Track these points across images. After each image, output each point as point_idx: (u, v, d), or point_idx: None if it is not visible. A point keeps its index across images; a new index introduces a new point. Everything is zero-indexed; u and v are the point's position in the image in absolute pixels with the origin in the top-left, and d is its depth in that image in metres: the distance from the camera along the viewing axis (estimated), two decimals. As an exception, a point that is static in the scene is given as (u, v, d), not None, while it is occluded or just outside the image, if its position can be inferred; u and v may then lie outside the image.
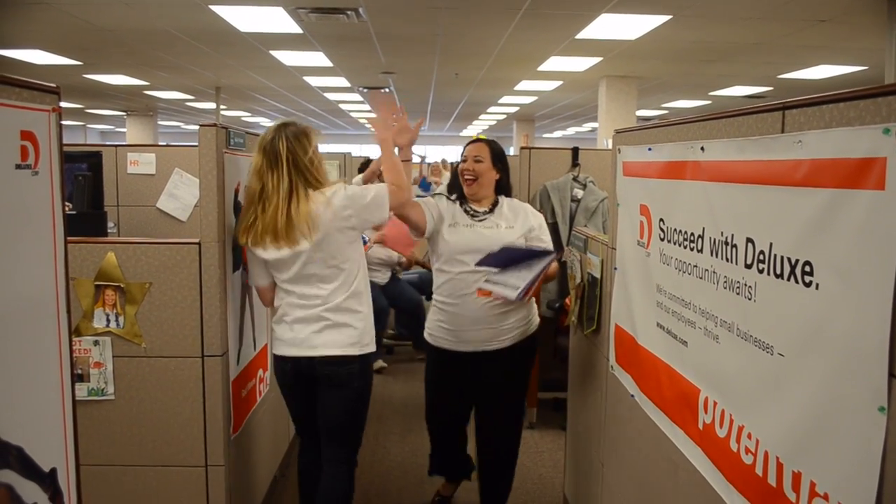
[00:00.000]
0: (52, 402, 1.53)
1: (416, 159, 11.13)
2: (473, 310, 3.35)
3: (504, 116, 22.00)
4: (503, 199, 3.58)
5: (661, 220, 2.39)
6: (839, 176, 1.40)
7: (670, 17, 7.50)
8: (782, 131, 1.62)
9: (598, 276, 3.23)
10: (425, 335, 3.63)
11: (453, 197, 3.57)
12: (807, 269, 1.50)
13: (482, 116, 22.86)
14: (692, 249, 2.12)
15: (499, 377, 3.52)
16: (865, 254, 1.32)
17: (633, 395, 2.67)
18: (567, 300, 4.23)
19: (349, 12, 7.34)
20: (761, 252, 1.69)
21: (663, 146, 2.37)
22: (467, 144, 3.61)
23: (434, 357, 3.63)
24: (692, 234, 2.12)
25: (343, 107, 19.53)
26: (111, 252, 3.01)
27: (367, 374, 3.08)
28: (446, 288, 3.43)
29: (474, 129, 29.76)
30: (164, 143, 10.78)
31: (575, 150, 5.69)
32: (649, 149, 2.51)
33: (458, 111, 20.76)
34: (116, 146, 5.98)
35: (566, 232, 5.33)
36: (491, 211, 3.50)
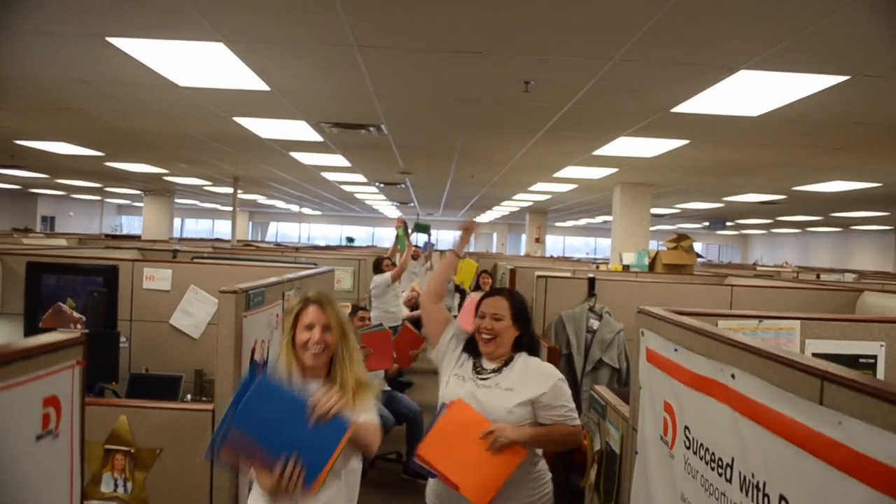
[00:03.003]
0: None
1: (414, 239, 11.06)
2: None
3: (518, 209, 22.16)
4: (519, 357, 3.15)
5: (687, 427, 2.33)
6: (887, 482, 1.35)
7: (687, 141, 7.58)
8: (821, 403, 1.57)
9: (617, 451, 3.15)
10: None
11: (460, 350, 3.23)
12: (849, 560, 1.43)
13: (496, 208, 23.05)
14: (720, 475, 2.05)
15: None
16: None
17: None
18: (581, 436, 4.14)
19: (371, 128, 7.45)
20: (797, 518, 1.62)
21: (691, 355, 2.33)
22: (484, 297, 3.22)
23: None
24: (720, 459, 2.06)
25: (358, 196, 19.73)
26: (123, 416, 2.97)
27: None
28: None
29: (488, 217, 29.97)
30: (178, 245, 10.81)
31: (591, 281, 5.66)
32: (675, 349, 2.46)
33: (472, 203, 20.94)
34: (133, 261, 5.97)
35: (581, 363, 5.28)
36: (499, 370, 3.11)
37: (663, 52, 4.54)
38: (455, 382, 3.11)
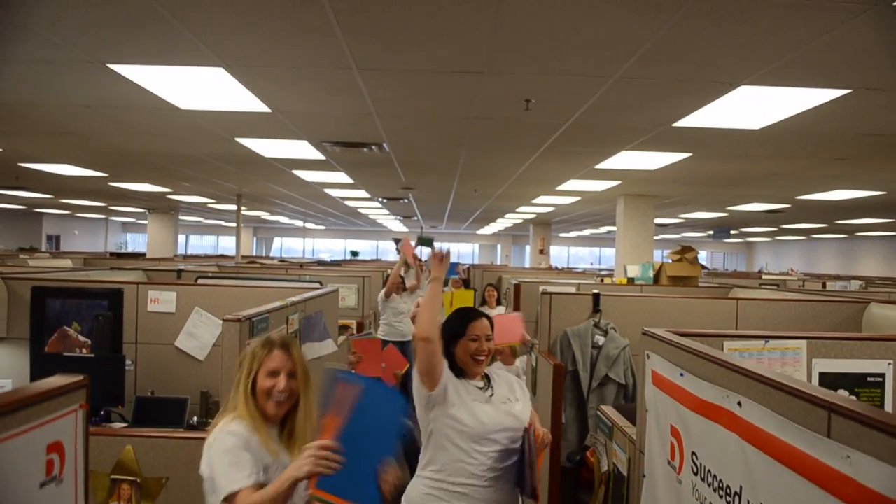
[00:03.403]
0: None
1: (417, 252, 11.23)
2: (504, 492, 3.02)
3: (521, 221, 22.16)
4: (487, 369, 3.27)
5: (694, 453, 2.31)
6: (897, 519, 1.33)
7: (690, 154, 7.58)
8: (828, 435, 1.56)
9: (624, 473, 3.14)
10: None
11: None
12: None
13: (499, 220, 23.05)
14: (728, 503, 2.04)
15: None
16: None
17: None
18: (588, 453, 4.13)
19: (373, 146, 7.46)
20: (807, 551, 1.61)
21: (697, 380, 2.31)
22: (472, 321, 3.19)
23: None
24: (728, 486, 2.04)
25: (362, 211, 19.75)
26: (129, 446, 2.96)
27: None
28: (475, 467, 2.98)
29: (492, 229, 30.00)
30: (182, 258, 10.80)
31: (596, 297, 5.64)
32: (681, 374, 2.45)
33: (475, 216, 20.95)
34: (138, 284, 5.98)
35: (587, 380, 5.25)
36: (488, 384, 3.18)
37: (663, 69, 4.54)
38: (484, 409, 3.07)
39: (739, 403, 1.99)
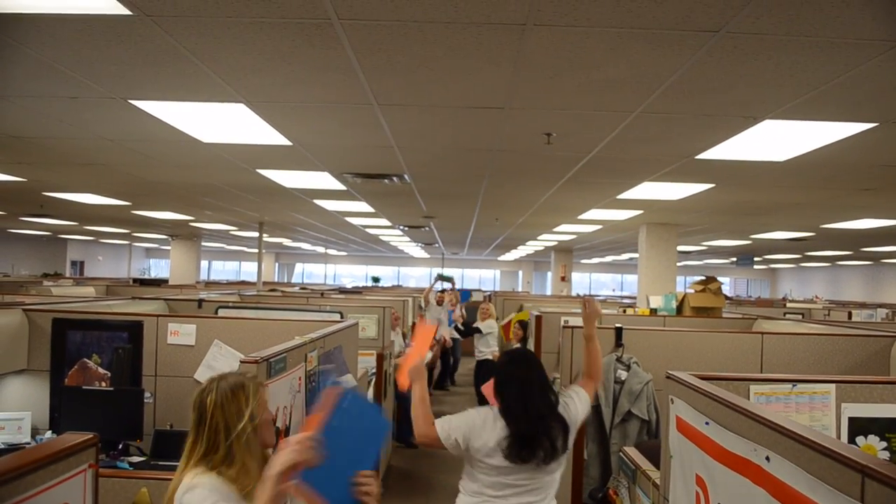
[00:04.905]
0: None
1: (438, 286, 11.60)
2: None
3: (543, 248, 22.08)
4: None
5: (721, 506, 2.25)
6: None
7: (713, 185, 7.51)
8: (861, 500, 1.49)
9: (648, 519, 3.06)
10: None
11: None
12: None
13: (520, 247, 22.98)
14: (758, 561, 1.96)
15: None
16: None
17: None
18: (611, 491, 4.06)
19: (394, 178, 7.46)
20: None
21: (724, 431, 2.25)
22: None
23: None
24: (757, 543, 1.97)
25: (383, 238, 19.77)
26: (144, 488, 2.93)
27: None
28: None
29: (513, 256, 29.90)
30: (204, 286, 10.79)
31: (618, 331, 5.56)
32: (707, 423, 2.38)
33: (497, 243, 20.91)
34: (158, 316, 5.97)
35: (609, 415, 5.17)
36: None
37: (685, 104, 4.50)
38: None
39: (767, 458, 1.93)
